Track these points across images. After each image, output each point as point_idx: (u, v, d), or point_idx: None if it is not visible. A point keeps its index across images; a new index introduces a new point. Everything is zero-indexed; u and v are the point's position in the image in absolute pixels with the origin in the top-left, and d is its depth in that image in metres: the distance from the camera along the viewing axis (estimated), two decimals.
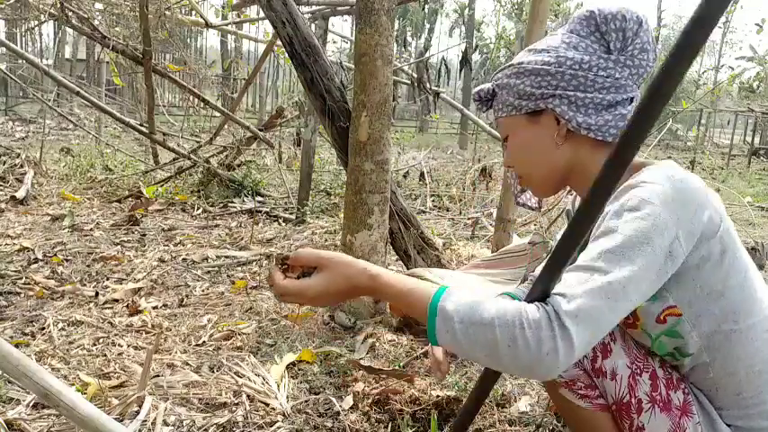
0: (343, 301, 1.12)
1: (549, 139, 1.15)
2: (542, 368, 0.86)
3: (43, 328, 2.31)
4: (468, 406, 1.32)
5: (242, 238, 3.92)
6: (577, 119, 1.10)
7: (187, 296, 2.80)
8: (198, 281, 3.05)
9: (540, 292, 0.92)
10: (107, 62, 7.69)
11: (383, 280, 1.00)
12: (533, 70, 1.13)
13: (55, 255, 3.29)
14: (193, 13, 6.39)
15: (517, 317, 0.87)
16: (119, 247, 3.57)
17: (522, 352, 0.86)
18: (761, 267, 3.47)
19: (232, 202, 5.11)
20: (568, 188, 1.28)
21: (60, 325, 2.34)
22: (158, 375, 1.94)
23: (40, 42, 16.61)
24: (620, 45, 1.11)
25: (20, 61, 8.38)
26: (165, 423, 1.66)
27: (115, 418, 1.57)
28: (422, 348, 2.24)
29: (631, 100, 1.12)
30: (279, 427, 1.69)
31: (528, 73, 1.14)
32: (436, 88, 5.81)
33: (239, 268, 3.31)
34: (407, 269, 2.73)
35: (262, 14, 5.05)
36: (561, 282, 0.92)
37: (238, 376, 1.93)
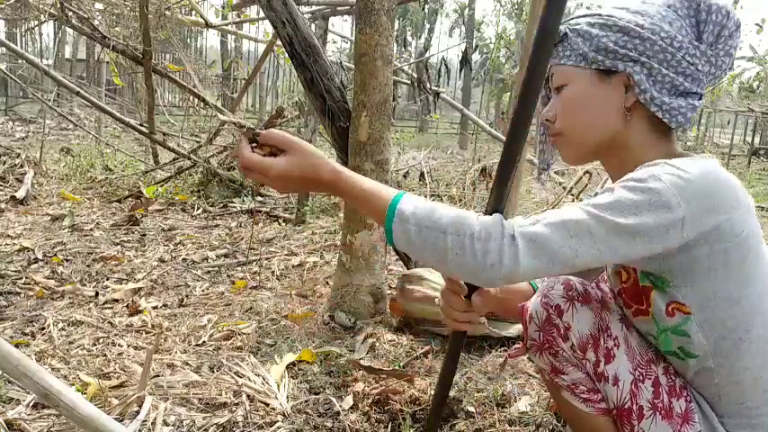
0: (302, 191, 1.11)
1: (613, 103, 1.09)
2: (483, 277, 0.91)
3: (43, 328, 2.31)
4: (435, 403, 1.32)
5: (242, 238, 3.92)
6: (653, 92, 1.05)
7: (187, 296, 2.80)
8: (198, 281, 3.05)
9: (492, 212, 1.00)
10: (107, 62, 7.69)
11: (346, 177, 1.03)
12: (624, 27, 1.06)
13: (55, 255, 3.29)
14: (193, 13, 6.40)
15: (469, 227, 0.90)
16: (119, 247, 3.57)
17: (468, 260, 0.90)
18: None
19: (232, 202, 5.11)
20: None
21: (60, 325, 2.34)
22: (158, 375, 1.94)
23: (40, 42, 16.62)
24: (713, 39, 1.07)
25: (20, 61, 8.38)
26: (165, 423, 1.66)
27: (115, 418, 1.57)
28: (422, 348, 2.24)
29: (700, 97, 1.08)
30: (279, 427, 1.69)
31: (617, 28, 1.07)
32: (436, 88, 5.81)
33: (239, 268, 3.31)
34: (407, 269, 2.73)
35: (262, 14, 5.05)
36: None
37: (238, 376, 1.93)
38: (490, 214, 1.00)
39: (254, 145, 1.05)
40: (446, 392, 1.29)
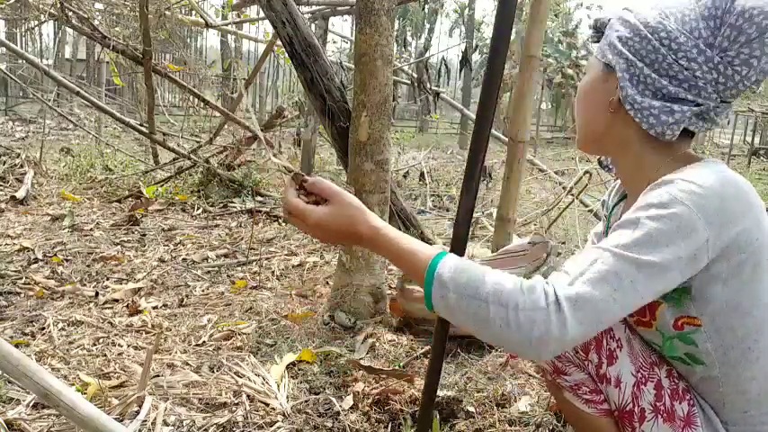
0: (341, 243, 1.09)
1: (606, 99, 1.08)
2: (531, 352, 0.84)
3: (43, 328, 2.31)
4: (423, 404, 1.32)
5: (242, 238, 3.92)
6: (628, 90, 1.03)
7: (187, 296, 2.80)
8: (198, 281, 3.05)
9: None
10: (107, 62, 7.69)
11: (384, 233, 0.99)
12: (633, 25, 1.04)
13: (55, 255, 3.29)
14: (193, 13, 6.39)
15: (512, 296, 0.84)
16: (119, 247, 3.57)
17: (513, 334, 0.84)
18: None
19: (232, 202, 5.11)
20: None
21: (60, 325, 2.34)
22: (158, 375, 1.94)
23: (40, 42, 16.60)
24: (725, 45, 0.97)
25: (20, 61, 8.38)
26: (165, 423, 1.66)
27: (115, 418, 1.57)
28: (422, 348, 2.24)
29: (698, 105, 1.00)
30: (279, 427, 1.69)
31: (629, 25, 1.05)
32: (436, 88, 5.81)
33: (239, 268, 3.31)
34: None
35: (262, 14, 5.05)
36: (571, 259, 0.91)
37: (238, 376, 1.93)
38: (463, 210, 1.09)
39: (300, 189, 1.06)
40: (433, 393, 1.29)
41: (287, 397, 1.83)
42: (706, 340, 1.01)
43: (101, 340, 2.24)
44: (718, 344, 1.01)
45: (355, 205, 1.01)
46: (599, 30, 1.13)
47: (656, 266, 0.86)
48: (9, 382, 1.79)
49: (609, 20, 1.11)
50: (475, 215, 4.73)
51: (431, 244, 2.82)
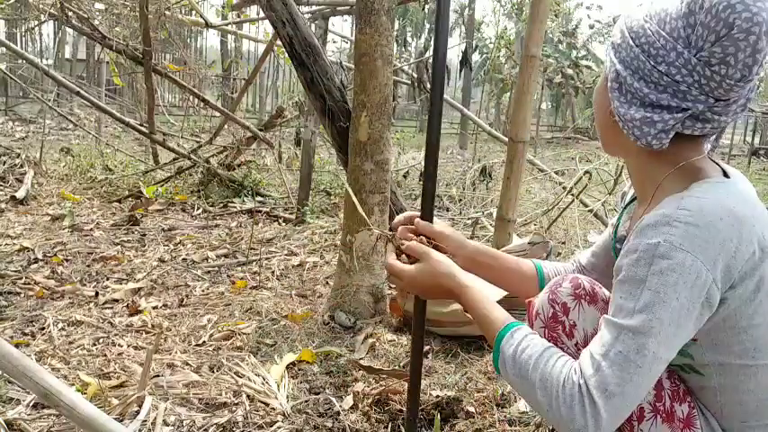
0: (432, 297, 1.22)
1: (608, 106, 1.05)
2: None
3: (43, 328, 2.31)
4: (409, 404, 1.33)
5: (242, 238, 3.92)
6: (615, 102, 1.01)
7: (187, 296, 2.80)
8: (198, 281, 3.05)
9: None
10: (107, 62, 7.69)
11: (469, 294, 1.12)
12: (621, 32, 1.02)
13: (55, 255, 3.29)
14: (193, 13, 6.40)
15: (555, 388, 0.92)
16: (119, 247, 3.57)
17: (558, 421, 0.92)
18: None
19: (232, 202, 5.11)
20: None
21: (60, 325, 2.34)
22: (158, 375, 1.94)
23: (40, 42, 16.61)
24: (700, 44, 0.92)
25: (20, 61, 8.38)
26: (165, 423, 1.66)
27: (115, 418, 1.57)
28: None
29: (684, 110, 0.95)
30: (279, 427, 1.69)
31: (619, 31, 1.03)
32: None
33: (239, 268, 3.31)
34: None
35: (262, 14, 5.05)
36: (598, 337, 0.94)
37: (238, 376, 1.93)
38: (423, 211, 1.20)
39: (398, 253, 1.22)
40: (417, 392, 1.30)
41: (287, 397, 1.83)
42: (703, 354, 1.01)
43: (101, 340, 2.24)
44: (714, 358, 1.00)
45: (442, 265, 1.15)
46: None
47: (672, 326, 0.89)
48: (9, 382, 1.79)
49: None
50: (475, 215, 4.73)
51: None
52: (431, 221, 1.25)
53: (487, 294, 1.12)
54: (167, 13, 5.56)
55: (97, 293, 2.73)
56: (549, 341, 1.14)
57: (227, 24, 6.58)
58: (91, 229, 3.91)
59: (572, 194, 4.49)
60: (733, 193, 0.95)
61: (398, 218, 1.27)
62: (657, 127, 0.96)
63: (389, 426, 1.72)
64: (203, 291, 2.90)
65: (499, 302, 1.14)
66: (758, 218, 0.94)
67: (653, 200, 1.04)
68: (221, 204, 5.05)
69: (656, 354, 0.89)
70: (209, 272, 3.22)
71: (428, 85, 5.11)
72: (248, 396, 1.82)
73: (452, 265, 1.16)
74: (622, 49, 1.01)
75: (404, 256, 1.21)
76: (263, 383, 1.89)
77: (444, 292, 1.13)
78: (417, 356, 1.24)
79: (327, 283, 3.00)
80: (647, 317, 0.89)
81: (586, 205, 4.54)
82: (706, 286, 0.89)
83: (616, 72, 1.00)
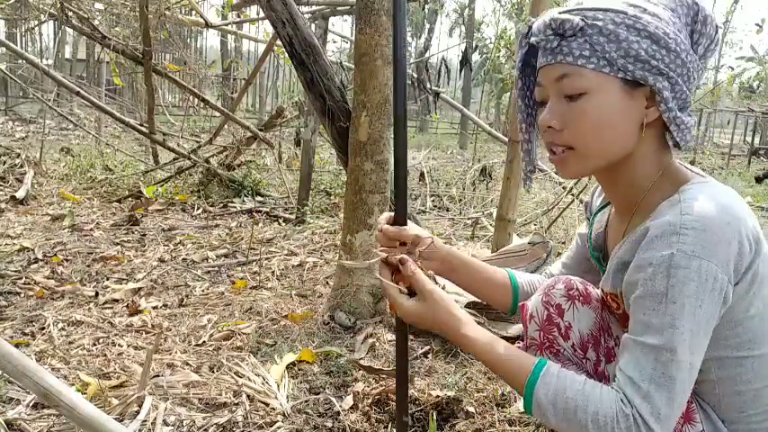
0: (430, 329, 1.22)
1: (634, 119, 0.98)
2: None
3: (43, 328, 2.31)
4: (397, 406, 1.32)
5: (242, 238, 3.92)
6: (676, 111, 0.97)
7: (187, 296, 2.80)
8: (198, 281, 3.05)
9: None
10: (107, 62, 7.69)
11: (469, 335, 1.05)
12: (654, 35, 0.95)
13: (55, 255, 3.29)
14: (193, 13, 6.40)
15: (610, 426, 0.90)
16: (119, 247, 3.57)
17: None
18: None
19: (232, 202, 5.11)
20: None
21: (60, 325, 2.34)
22: (158, 375, 1.94)
23: (40, 42, 16.61)
24: (702, 52, 1.00)
25: (20, 61, 8.38)
26: (165, 423, 1.66)
27: (115, 418, 1.57)
28: (422, 348, 2.24)
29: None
30: (279, 427, 1.69)
31: (646, 34, 0.95)
32: (436, 88, 5.81)
33: (239, 268, 3.31)
34: None
35: (262, 14, 5.05)
36: (632, 361, 0.93)
37: (238, 376, 1.93)
38: (400, 216, 1.15)
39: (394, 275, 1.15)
40: (405, 394, 1.29)
41: (287, 397, 1.83)
42: None
43: (101, 340, 2.24)
44: (711, 353, 1.01)
45: (443, 304, 1.07)
46: (562, 33, 0.98)
47: (700, 333, 0.91)
48: (9, 382, 1.79)
49: (589, 23, 0.97)
50: (475, 215, 4.74)
51: None
52: (404, 223, 1.18)
53: (491, 335, 1.06)
54: (167, 13, 5.56)
55: (97, 293, 2.73)
56: (545, 343, 1.14)
57: (227, 24, 6.58)
58: (91, 229, 3.91)
59: (572, 194, 4.49)
60: (721, 191, 0.96)
61: (381, 221, 1.19)
62: (693, 128, 1.00)
63: (389, 426, 1.72)
64: (203, 291, 2.90)
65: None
66: (747, 212, 0.95)
67: (641, 206, 1.04)
68: (221, 204, 5.05)
69: (692, 364, 0.91)
70: (209, 272, 3.23)
71: (428, 85, 5.11)
72: (248, 396, 1.82)
73: (452, 304, 1.09)
74: (665, 54, 0.96)
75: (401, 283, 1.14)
76: (263, 383, 1.89)
77: (443, 330, 1.09)
78: (402, 357, 1.23)
79: (327, 283, 3.00)
80: (677, 331, 0.90)
81: None
82: (723, 287, 0.90)
83: (668, 78, 0.97)
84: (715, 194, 0.94)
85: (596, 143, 1.00)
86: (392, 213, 1.20)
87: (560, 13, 0.99)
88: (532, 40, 1.01)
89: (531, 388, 0.97)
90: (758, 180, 9.78)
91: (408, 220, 1.20)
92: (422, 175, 6.24)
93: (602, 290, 1.13)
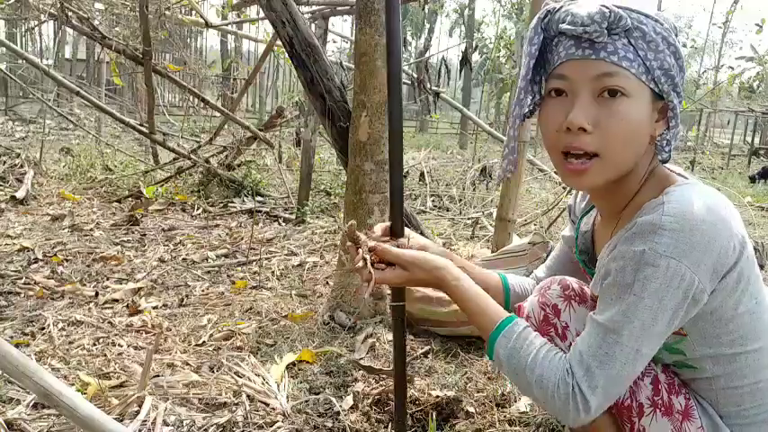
0: (422, 286, 1.21)
1: (649, 131, 0.99)
2: (569, 425, 1.04)
3: (43, 328, 2.31)
4: (396, 407, 1.32)
5: (242, 238, 3.92)
6: (677, 121, 0.99)
7: (187, 296, 2.80)
8: (198, 281, 3.05)
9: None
10: (107, 62, 7.69)
11: (461, 288, 1.11)
12: (678, 52, 0.95)
13: (55, 255, 3.29)
14: (193, 13, 6.40)
15: (551, 389, 0.98)
16: (119, 247, 3.57)
17: (552, 410, 1.01)
18: (761, 267, 3.47)
19: (232, 202, 5.11)
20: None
21: (60, 325, 2.34)
22: (158, 375, 1.94)
23: (40, 42, 16.59)
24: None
25: (20, 61, 8.38)
26: (165, 423, 1.66)
27: (115, 418, 1.57)
28: (422, 348, 2.24)
29: None
30: (279, 427, 1.69)
31: (674, 50, 0.95)
32: (436, 88, 5.81)
33: (239, 268, 3.31)
34: None
35: (262, 14, 5.05)
36: (586, 336, 0.99)
37: (238, 376, 1.93)
38: (393, 224, 1.17)
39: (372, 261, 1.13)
40: (404, 397, 1.29)
41: (287, 397, 1.83)
42: (693, 349, 1.04)
43: (101, 340, 2.24)
44: (705, 351, 1.03)
45: (426, 266, 1.11)
46: (605, 28, 0.92)
47: (655, 325, 0.94)
48: (9, 382, 1.79)
49: (636, 24, 0.93)
50: (475, 215, 4.73)
51: None
52: (402, 234, 1.19)
53: (475, 290, 1.11)
54: (167, 13, 5.56)
55: (97, 293, 2.73)
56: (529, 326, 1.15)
57: (227, 24, 6.58)
58: (91, 229, 3.91)
59: (572, 194, 4.48)
60: (705, 192, 0.97)
61: (377, 233, 1.19)
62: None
63: (389, 426, 1.72)
64: (203, 291, 2.90)
65: None
66: (731, 212, 0.97)
67: (627, 211, 1.05)
68: (221, 204, 5.05)
69: (638, 350, 0.95)
70: (209, 272, 3.22)
71: (428, 85, 5.11)
72: (248, 396, 1.82)
73: (445, 258, 1.14)
74: (677, 70, 0.97)
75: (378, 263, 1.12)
76: (263, 383, 1.89)
77: (435, 284, 1.12)
78: (401, 357, 1.23)
79: (327, 283, 3.00)
80: (629, 319, 0.94)
81: None
82: (691, 287, 0.92)
83: (678, 95, 0.98)
84: (698, 196, 0.95)
85: (624, 151, 0.97)
86: (388, 224, 1.20)
87: (603, 6, 0.93)
88: (576, 29, 0.93)
89: (492, 341, 1.06)
90: (752, 180, 9.79)
91: (407, 228, 1.21)
92: (422, 174, 6.24)
93: (593, 294, 1.14)
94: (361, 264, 1.09)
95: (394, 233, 1.19)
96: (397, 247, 1.15)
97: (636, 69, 0.93)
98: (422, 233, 2.83)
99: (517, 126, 1.11)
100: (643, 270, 0.92)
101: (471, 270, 1.28)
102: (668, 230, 0.91)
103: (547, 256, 2.55)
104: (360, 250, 1.11)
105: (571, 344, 1.13)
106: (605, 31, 0.93)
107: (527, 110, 1.09)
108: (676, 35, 0.98)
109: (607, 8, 0.92)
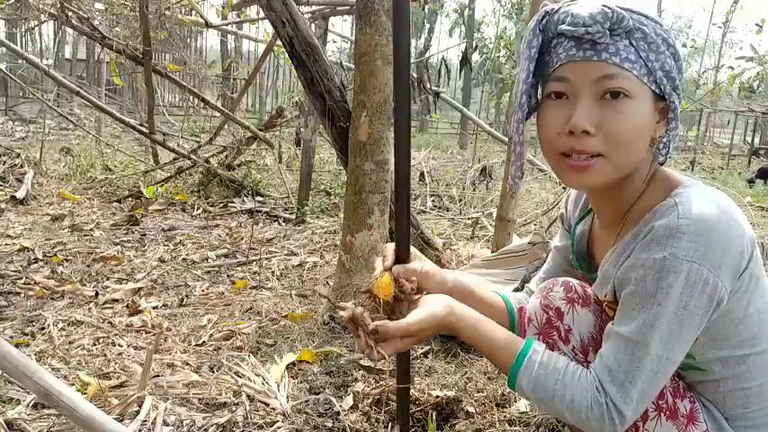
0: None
1: (651, 132, 0.98)
2: None
3: (43, 328, 2.31)
4: (400, 402, 1.31)
5: (242, 238, 3.92)
6: (677, 123, 0.99)
7: (187, 296, 2.80)
8: (198, 281, 3.05)
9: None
10: (107, 62, 7.69)
11: (469, 328, 1.07)
12: (677, 54, 0.95)
13: (55, 255, 3.29)
14: (193, 13, 6.40)
15: (583, 412, 0.97)
16: (119, 247, 3.57)
17: (588, 429, 1.00)
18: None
19: (232, 202, 5.11)
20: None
21: (60, 325, 2.34)
22: (158, 375, 1.94)
23: (40, 42, 16.59)
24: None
25: (20, 61, 8.38)
26: (165, 423, 1.66)
27: (115, 418, 1.57)
28: (422, 348, 2.24)
29: None
30: (279, 427, 1.69)
31: (673, 51, 0.95)
32: (436, 88, 5.81)
33: (239, 268, 3.31)
34: None
35: (262, 14, 5.05)
36: (612, 351, 0.97)
37: (238, 376, 1.93)
38: (402, 250, 1.12)
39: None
40: (407, 398, 1.29)
41: (287, 397, 1.83)
42: (703, 352, 1.03)
43: (101, 340, 2.24)
44: (714, 352, 1.02)
45: (429, 328, 1.05)
46: (607, 29, 0.92)
47: (682, 332, 0.93)
48: (9, 382, 1.79)
49: (638, 26, 0.93)
50: (475, 215, 4.73)
51: (430, 245, 2.83)
52: (408, 259, 1.15)
53: (485, 329, 1.07)
54: (167, 13, 5.56)
55: (97, 293, 2.73)
56: (545, 347, 1.14)
57: (227, 24, 6.58)
58: (91, 229, 3.91)
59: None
60: (714, 194, 0.97)
61: (387, 255, 1.14)
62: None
63: (389, 426, 1.72)
64: (203, 291, 2.90)
65: None
66: (740, 212, 0.97)
67: (631, 216, 1.04)
68: (221, 204, 5.05)
69: (669, 359, 0.95)
70: (209, 272, 3.22)
71: (428, 85, 5.11)
72: (248, 396, 1.82)
73: (445, 299, 1.08)
74: (676, 72, 0.96)
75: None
76: (263, 383, 1.89)
77: (445, 331, 1.08)
78: (404, 356, 1.23)
79: (327, 283, 3.00)
80: (656, 329, 0.93)
81: None
82: (715, 290, 0.91)
83: (679, 97, 0.98)
84: (709, 198, 0.95)
85: (628, 152, 0.96)
86: (391, 253, 1.14)
87: (605, 6, 0.92)
88: (578, 30, 0.92)
89: (513, 375, 1.03)
90: (750, 182, 9.77)
91: (412, 248, 1.17)
92: (422, 175, 6.24)
93: (596, 296, 1.13)
94: (365, 347, 1.04)
95: (400, 259, 1.14)
96: (406, 269, 1.11)
97: (638, 71, 0.93)
98: (422, 233, 2.83)
99: (521, 130, 1.08)
100: (666, 278, 0.91)
101: (480, 297, 1.25)
102: (686, 234, 0.90)
103: (547, 255, 2.55)
104: (361, 333, 1.03)
105: (574, 347, 1.12)
106: (607, 32, 0.92)
107: (527, 113, 1.08)
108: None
109: (609, 8, 0.91)
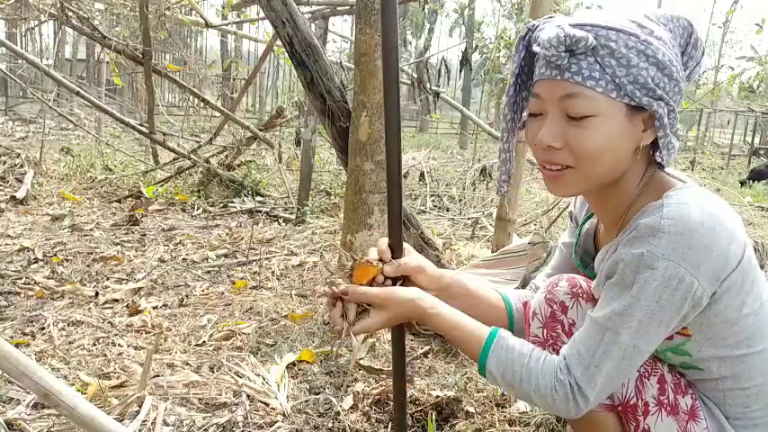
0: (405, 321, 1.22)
1: (632, 142, 0.99)
2: (570, 417, 1.05)
3: (43, 328, 2.31)
4: (397, 400, 1.31)
5: (242, 238, 3.92)
6: (671, 135, 1.00)
7: (187, 296, 2.80)
8: (198, 281, 3.05)
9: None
10: (107, 62, 7.69)
11: (439, 315, 1.12)
12: (662, 63, 0.94)
13: (55, 255, 3.29)
14: (193, 13, 6.40)
15: (549, 394, 1.02)
16: (119, 247, 3.57)
17: (552, 410, 1.08)
18: (761, 267, 3.46)
19: (232, 202, 5.11)
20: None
21: (60, 325, 2.34)
22: (158, 375, 1.94)
23: (40, 42, 16.59)
24: (687, 73, 1.01)
25: (20, 61, 8.38)
26: (165, 423, 1.66)
27: (115, 418, 1.57)
28: (422, 348, 2.24)
29: None
30: (279, 427, 1.69)
31: (655, 61, 0.94)
32: (436, 88, 5.81)
33: (239, 268, 3.31)
34: None
35: (262, 14, 5.05)
36: (584, 334, 1.02)
37: (238, 376, 1.93)
38: (396, 246, 1.17)
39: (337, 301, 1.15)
40: (404, 397, 1.29)
41: (287, 397, 1.83)
42: (699, 349, 1.04)
43: (101, 340, 2.24)
44: (711, 353, 1.03)
45: (398, 301, 1.12)
46: (574, 50, 0.94)
47: (651, 324, 0.96)
48: (9, 382, 1.79)
49: (602, 42, 0.93)
50: (475, 215, 4.74)
51: (430, 245, 2.83)
52: (401, 253, 1.19)
53: (454, 314, 1.13)
54: (167, 13, 5.56)
55: (97, 293, 2.73)
56: (549, 340, 1.15)
57: (227, 24, 6.58)
58: (91, 229, 3.91)
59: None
60: (703, 195, 0.98)
61: (372, 255, 1.19)
62: (676, 149, 1.04)
63: (389, 426, 1.72)
64: (203, 291, 2.90)
65: None
66: (730, 214, 0.98)
67: (628, 218, 1.05)
68: (221, 204, 5.05)
69: (636, 347, 0.98)
70: (209, 272, 3.22)
71: (428, 85, 5.11)
72: (248, 396, 1.82)
73: (410, 296, 1.13)
74: (667, 82, 0.96)
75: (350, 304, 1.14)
76: (263, 383, 1.89)
77: (414, 315, 1.13)
78: (400, 357, 1.23)
79: (327, 283, 3.00)
80: (626, 319, 0.97)
81: None
82: (690, 289, 0.94)
83: (667, 105, 0.97)
84: (697, 200, 0.96)
85: (596, 166, 0.99)
86: (383, 246, 1.20)
87: (572, 26, 0.94)
88: (540, 52, 0.95)
89: (482, 362, 1.08)
90: (742, 184, 9.76)
91: (407, 245, 1.21)
92: (422, 175, 6.24)
93: (596, 296, 1.14)
94: (339, 323, 1.12)
95: (393, 253, 1.19)
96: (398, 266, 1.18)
97: (603, 87, 0.94)
98: (422, 233, 2.83)
99: (506, 140, 1.13)
100: (642, 272, 0.94)
101: (478, 294, 1.27)
102: (666, 233, 0.93)
103: (547, 255, 2.55)
104: (337, 306, 1.13)
105: None
106: (564, 55, 0.94)
107: (515, 124, 1.12)
108: (690, 36, 1.00)
109: (563, 31, 0.93)
